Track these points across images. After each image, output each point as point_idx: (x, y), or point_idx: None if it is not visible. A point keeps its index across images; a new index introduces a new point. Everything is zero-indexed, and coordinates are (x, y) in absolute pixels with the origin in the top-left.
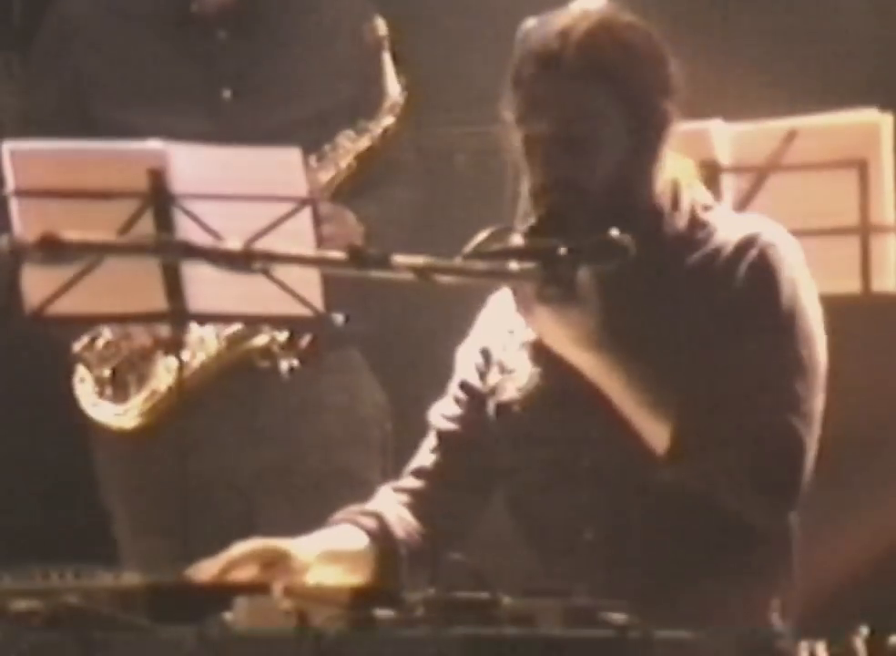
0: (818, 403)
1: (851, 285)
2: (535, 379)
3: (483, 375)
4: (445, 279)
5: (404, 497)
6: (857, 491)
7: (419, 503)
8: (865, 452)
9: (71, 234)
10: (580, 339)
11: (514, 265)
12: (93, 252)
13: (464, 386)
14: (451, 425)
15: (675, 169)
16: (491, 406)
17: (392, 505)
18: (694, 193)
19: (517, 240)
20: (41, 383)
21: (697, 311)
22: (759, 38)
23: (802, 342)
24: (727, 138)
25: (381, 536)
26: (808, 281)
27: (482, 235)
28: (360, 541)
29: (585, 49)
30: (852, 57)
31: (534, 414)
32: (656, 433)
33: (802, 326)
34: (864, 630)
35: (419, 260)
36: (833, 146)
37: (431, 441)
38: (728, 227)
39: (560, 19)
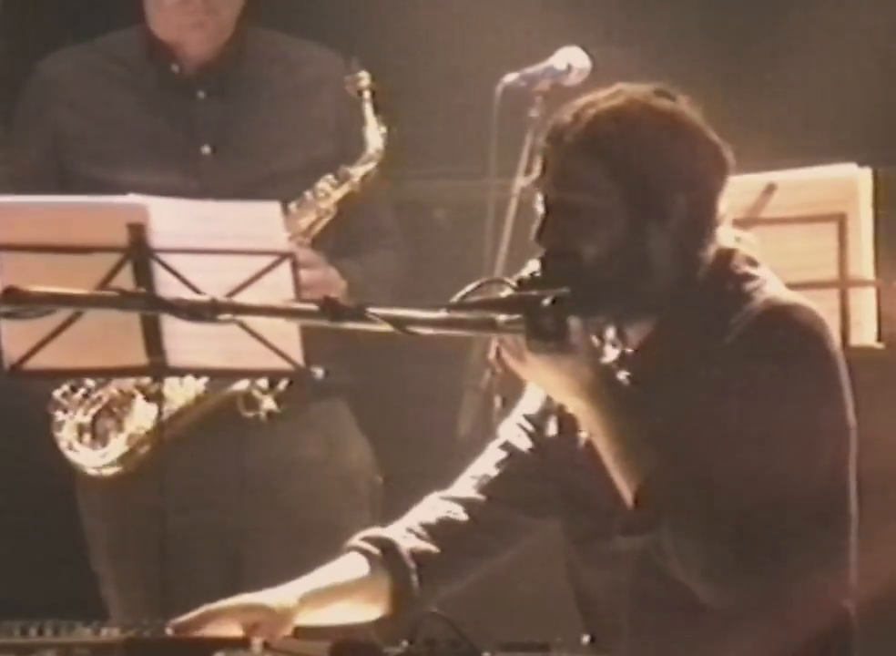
0: (807, 475)
1: None
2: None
3: (546, 411)
4: (425, 331)
5: (453, 506)
6: None
7: (468, 513)
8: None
9: (49, 288)
10: (574, 387)
11: (500, 317)
12: (55, 305)
13: (530, 417)
14: (518, 444)
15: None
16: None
17: (415, 527)
18: (732, 265)
19: (507, 292)
20: (24, 437)
21: (698, 381)
22: (738, 93)
23: (793, 424)
24: None
25: (390, 564)
26: (826, 363)
27: (470, 286)
28: (361, 571)
29: (591, 126)
30: (832, 113)
31: (583, 463)
32: (627, 491)
33: (802, 408)
34: None
35: (394, 311)
36: (812, 200)
37: (497, 454)
38: (758, 298)
39: (589, 97)
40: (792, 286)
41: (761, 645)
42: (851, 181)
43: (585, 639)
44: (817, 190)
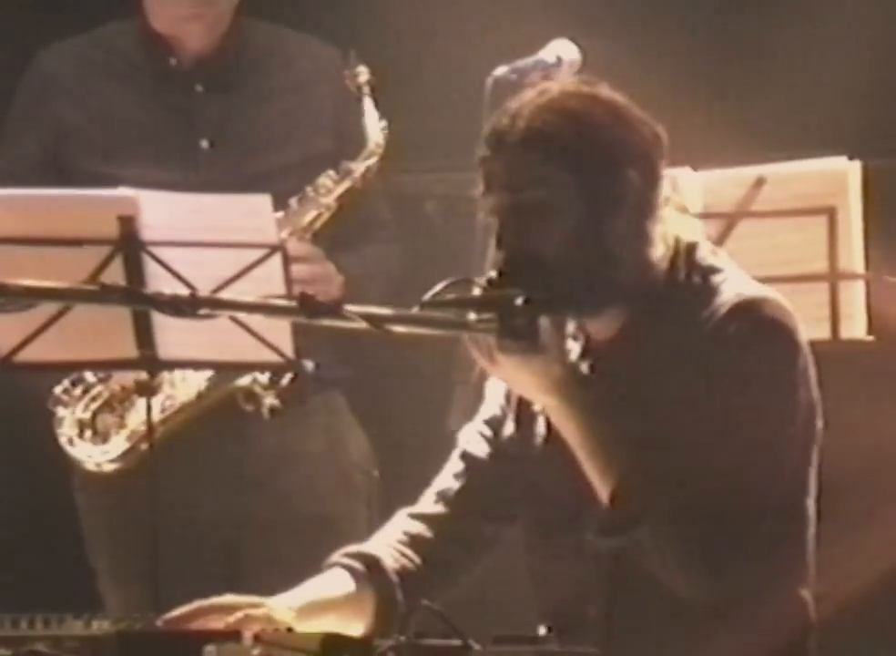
0: (779, 465)
1: (820, 332)
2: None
3: (504, 413)
4: (399, 329)
5: (419, 525)
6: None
7: (435, 529)
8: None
9: (29, 281)
10: (545, 386)
11: (471, 316)
12: (34, 298)
13: (489, 422)
14: (477, 452)
15: (675, 235)
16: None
17: (392, 543)
18: (698, 257)
19: (476, 291)
20: (25, 432)
21: (669, 377)
22: (728, 86)
23: (764, 417)
24: (695, 185)
25: (375, 580)
26: (796, 356)
27: (440, 285)
28: (347, 587)
29: (530, 122)
30: (822, 106)
31: (544, 460)
32: (601, 489)
33: (772, 401)
34: None
35: (370, 309)
36: (802, 193)
37: (457, 465)
38: (728, 291)
39: (518, 99)
40: (782, 279)
41: (735, 636)
42: (841, 174)
43: (542, 630)
44: (807, 184)
